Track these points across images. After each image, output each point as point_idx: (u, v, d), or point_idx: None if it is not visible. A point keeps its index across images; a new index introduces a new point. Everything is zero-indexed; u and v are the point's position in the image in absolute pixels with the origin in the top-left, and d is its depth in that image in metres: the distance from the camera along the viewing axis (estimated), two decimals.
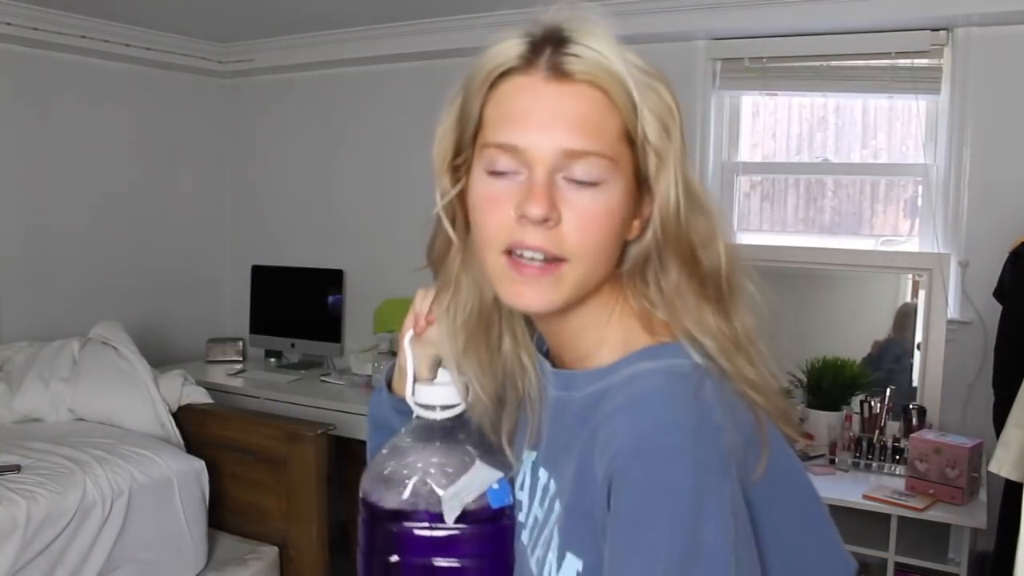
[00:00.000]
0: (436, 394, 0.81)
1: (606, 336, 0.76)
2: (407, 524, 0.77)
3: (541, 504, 0.79)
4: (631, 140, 0.70)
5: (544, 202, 0.68)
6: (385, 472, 0.79)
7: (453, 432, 0.81)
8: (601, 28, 0.70)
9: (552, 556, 0.75)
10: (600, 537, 0.68)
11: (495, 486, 0.78)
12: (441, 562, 0.77)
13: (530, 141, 0.69)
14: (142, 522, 2.36)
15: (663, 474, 0.64)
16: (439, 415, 0.81)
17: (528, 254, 0.70)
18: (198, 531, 2.51)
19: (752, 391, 0.72)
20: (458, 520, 0.77)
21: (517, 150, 0.69)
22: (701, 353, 0.71)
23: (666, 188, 0.71)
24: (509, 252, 0.71)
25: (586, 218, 0.69)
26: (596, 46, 0.69)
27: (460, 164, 0.75)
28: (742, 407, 0.71)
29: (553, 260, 0.70)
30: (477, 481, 0.78)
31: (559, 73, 0.69)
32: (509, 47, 0.71)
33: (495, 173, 0.71)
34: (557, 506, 0.76)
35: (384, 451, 0.82)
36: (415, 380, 0.84)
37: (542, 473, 0.80)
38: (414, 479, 0.78)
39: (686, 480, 0.64)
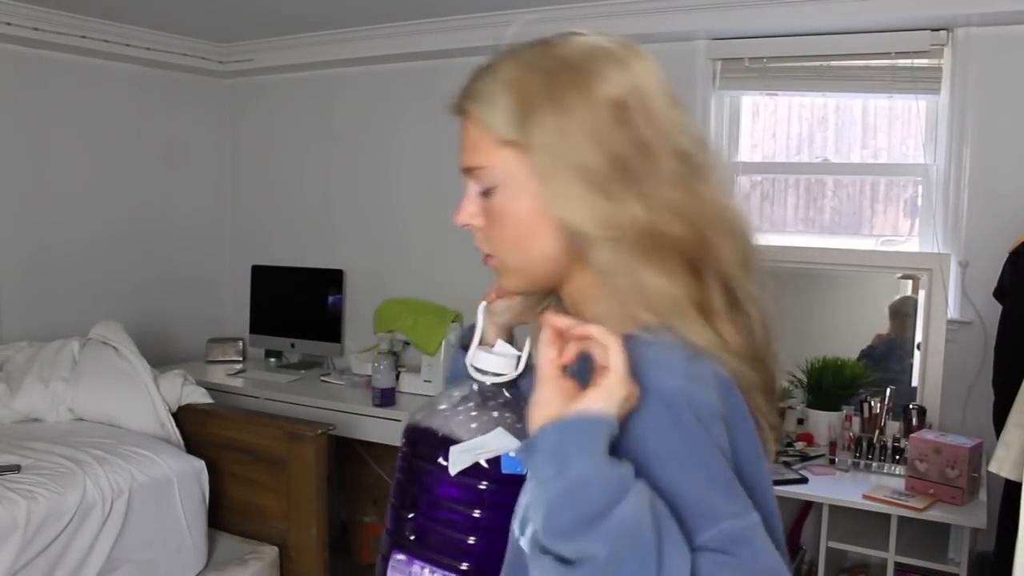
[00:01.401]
0: (489, 361, 0.90)
1: (599, 321, 0.78)
2: (431, 463, 0.88)
3: None
4: (520, 145, 0.78)
5: (460, 213, 0.84)
6: (432, 414, 0.91)
7: (495, 397, 0.90)
8: (507, 53, 0.81)
9: None
10: None
11: (511, 454, 0.85)
12: (453, 504, 0.88)
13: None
14: (142, 522, 2.36)
15: (670, 431, 0.72)
16: (487, 379, 0.90)
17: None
18: (198, 531, 2.51)
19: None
20: (469, 475, 0.86)
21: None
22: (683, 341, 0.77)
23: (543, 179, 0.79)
24: None
25: (491, 219, 0.82)
26: (481, 76, 0.81)
27: None
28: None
29: (488, 255, 0.85)
30: (491, 445, 0.86)
31: (456, 111, 0.83)
32: None
33: None
34: None
35: (440, 396, 0.94)
36: (479, 344, 0.95)
37: None
38: (448, 427, 0.88)
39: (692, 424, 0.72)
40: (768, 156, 3.10)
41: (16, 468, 2.26)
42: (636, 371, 0.72)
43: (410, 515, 0.90)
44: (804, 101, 3.02)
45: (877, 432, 2.48)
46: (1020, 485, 1.82)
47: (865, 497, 2.19)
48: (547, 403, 0.71)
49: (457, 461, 0.85)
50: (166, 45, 3.57)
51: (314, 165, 3.84)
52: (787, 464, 2.42)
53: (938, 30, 2.59)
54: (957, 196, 2.63)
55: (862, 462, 2.44)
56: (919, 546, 2.22)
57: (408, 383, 3.14)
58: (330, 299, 3.66)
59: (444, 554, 0.88)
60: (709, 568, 0.66)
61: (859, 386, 2.64)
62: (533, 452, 0.70)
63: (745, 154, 3.08)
